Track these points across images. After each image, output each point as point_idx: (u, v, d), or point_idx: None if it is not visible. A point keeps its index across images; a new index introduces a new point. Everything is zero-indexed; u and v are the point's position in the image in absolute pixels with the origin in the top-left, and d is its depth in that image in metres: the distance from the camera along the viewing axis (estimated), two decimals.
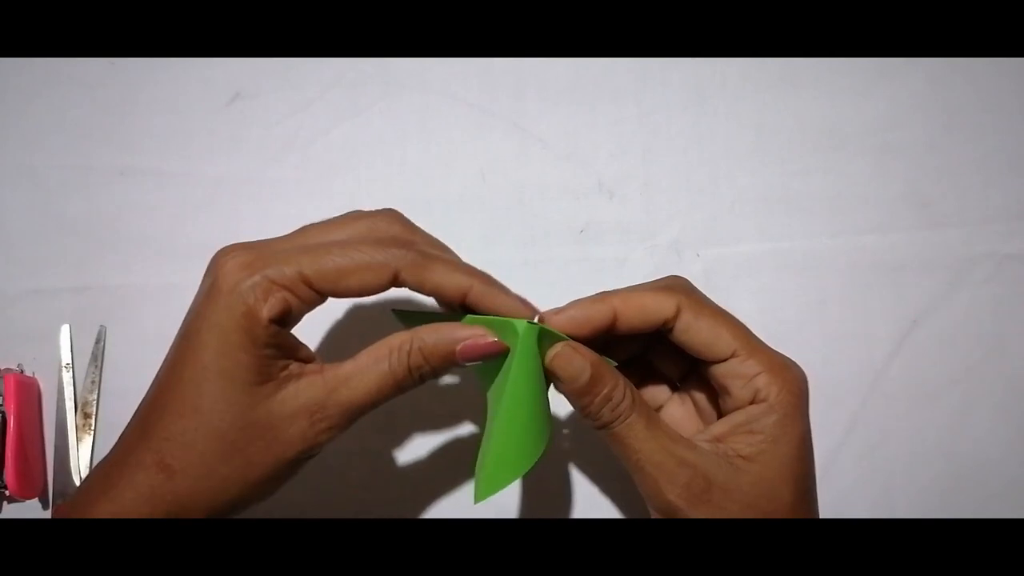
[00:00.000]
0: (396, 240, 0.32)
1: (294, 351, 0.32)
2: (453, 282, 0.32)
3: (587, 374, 0.32)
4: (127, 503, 0.30)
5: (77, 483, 0.43)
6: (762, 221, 0.45)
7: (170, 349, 0.32)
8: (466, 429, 0.44)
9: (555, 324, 0.33)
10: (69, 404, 0.43)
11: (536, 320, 0.33)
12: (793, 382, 0.33)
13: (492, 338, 0.32)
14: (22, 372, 0.44)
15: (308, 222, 0.45)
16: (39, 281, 0.45)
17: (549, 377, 0.33)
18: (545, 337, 0.32)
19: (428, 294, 0.33)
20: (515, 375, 0.31)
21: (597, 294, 0.34)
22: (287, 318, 0.31)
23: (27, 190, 0.46)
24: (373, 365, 0.32)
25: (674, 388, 0.38)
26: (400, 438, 0.44)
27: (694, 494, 0.32)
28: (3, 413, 0.41)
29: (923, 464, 0.44)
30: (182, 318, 0.44)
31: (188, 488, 0.30)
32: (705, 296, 0.35)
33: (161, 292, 0.45)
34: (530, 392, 0.32)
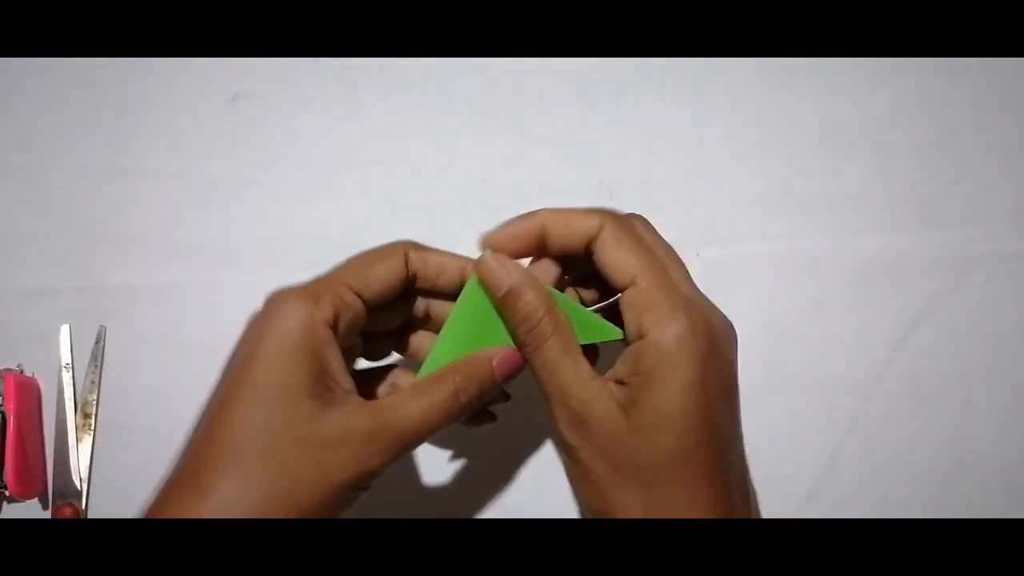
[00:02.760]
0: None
1: (341, 376, 0.32)
2: (453, 261, 0.35)
3: (506, 284, 0.32)
4: None
5: (77, 483, 0.43)
6: (762, 221, 0.45)
7: (216, 385, 0.32)
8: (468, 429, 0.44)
9: (492, 241, 0.33)
10: (69, 404, 0.43)
11: (480, 242, 0.34)
12: (683, 321, 0.31)
13: (510, 351, 0.33)
14: (22, 372, 0.44)
15: (308, 222, 0.46)
16: (39, 281, 0.45)
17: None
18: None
19: (432, 274, 0.34)
20: (459, 309, 0.34)
21: (530, 211, 0.34)
22: (338, 322, 0.32)
23: (27, 190, 0.46)
24: (420, 394, 0.32)
25: None
26: None
27: (585, 433, 0.31)
28: (3, 413, 0.41)
29: (923, 464, 0.44)
30: (182, 318, 0.44)
31: (239, 512, 0.29)
32: (646, 231, 0.34)
33: (161, 292, 0.45)
34: (469, 327, 0.34)
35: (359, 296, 0.33)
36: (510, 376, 0.34)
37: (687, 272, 0.34)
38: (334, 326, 0.31)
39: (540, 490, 0.43)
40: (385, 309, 0.35)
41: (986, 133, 0.46)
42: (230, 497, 0.29)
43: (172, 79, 0.46)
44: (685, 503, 0.31)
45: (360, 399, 0.32)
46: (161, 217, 0.45)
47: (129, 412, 0.44)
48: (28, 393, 0.43)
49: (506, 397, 0.37)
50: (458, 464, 0.44)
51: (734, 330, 0.33)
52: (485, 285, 0.33)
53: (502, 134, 0.46)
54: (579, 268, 0.35)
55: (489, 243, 0.34)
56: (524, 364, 0.34)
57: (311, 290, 0.32)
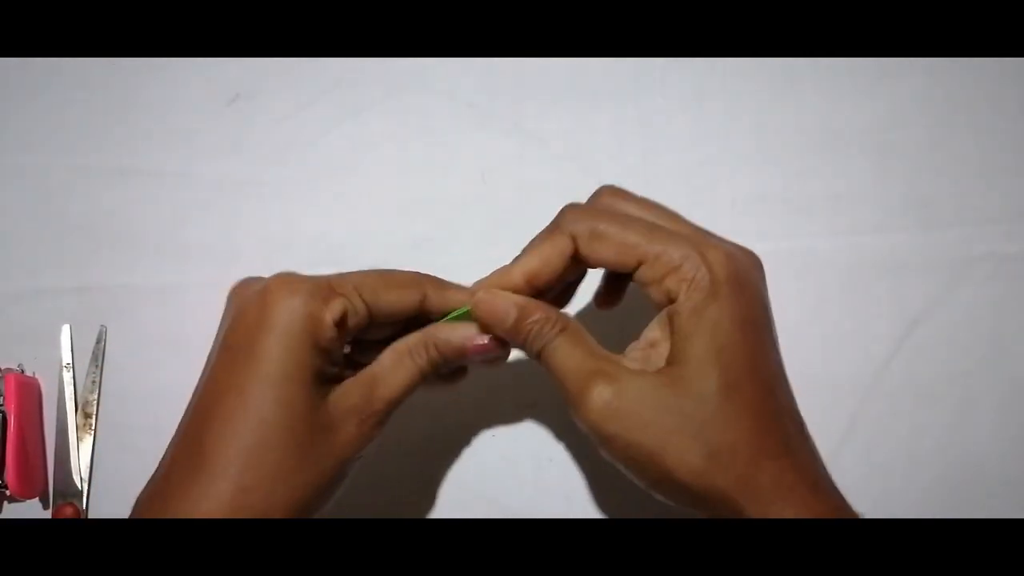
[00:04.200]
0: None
1: (339, 365, 0.33)
2: (465, 299, 0.34)
3: (512, 314, 0.33)
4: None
5: (77, 483, 0.43)
6: (762, 221, 0.45)
7: (214, 361, 0.32)
8: (468, 429, 0.44)
9: (486, 293, 0.34)
10: (69, 404, 0.43)
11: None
12: (706, 271, 0.31)
13: (486, 340, 0.34)
14: (22, 372, 0.44)
15: (308, 222, 0.46)
16: (39, 281, 0.45)
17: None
18: None
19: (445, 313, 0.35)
20: None
21: (499, 269, 0.34)
22: (344, 323, 0.32)
23: (27, 190, 0.46)
24: (399, 363, 0.34)
25: None
26: (401, 437, 0.44)
27: (611, 409, 0.31)
28: (3, 413, 0.41)
29: (923, 464, 0.44)
30: (182, 318, 0.44)
31: (263, 503, 0.30)
32: (615, 199, 0.34)
33: (161, 292, 0.45)
34: None
35: (367, 307, 0.33)
36: (481, 355, 0.34)
37: (678, 215, 0.35)
38: (340, 325, 0.32)
39: (540, 490, 0.43)
40: (385, 326, 0.35)
41: (985, 133, 0.46)
42: (258, 489, 0.30)
43: (172, 79, 0.46)
44: (740, 439, 0.31)
45: (348, 373, 0.34)
46: (161, 217, 0.45)
47: (130, 412, 0.44)
48: (29, 393, 0.43)
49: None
50: (458, 464, 0.44)
51: (756, 257, 0.34)
52: (487, 320, 0.34)
53: (502, 134, 0.46)
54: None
55: (482, 294, 0.34)
56: (496, 348, 0.34)
57: (323, 286, 0.32)
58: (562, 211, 0.34)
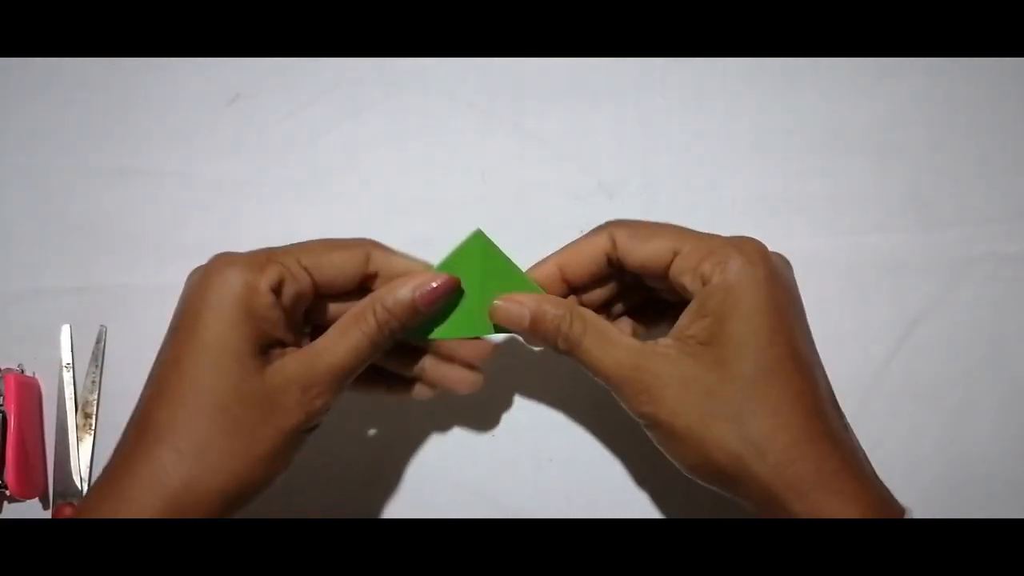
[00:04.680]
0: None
1: (287, 336, 0.33)
2: (416, 265, 0.35)
3: (526, 313, 0.34)
4: (135, 494, 0.30)
5: (77, 483, 0.43)
6: (762, 221, 0.45)
7: (163, 343, 0.33)
8: (468, 429, 0.44)
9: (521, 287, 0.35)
10: (69, 404, 0.43)
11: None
12: (739, 258, 0.32)
13: (439, 279, 0.33)
14: (22, 372, 0.44)
15: (308, 222, 0.45)
16: (39, 281, 0.45)
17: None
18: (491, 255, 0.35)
19: (395, 276, 0.35)
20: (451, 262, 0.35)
21: (542, 260, 0.36)
22: (282, 289, 0.33)
23: (27, 190, 0.46)
24: (346, 331, 0.33)
25: None
26: (401, 438, 0.44)
27: (652, 395, 0.32)
28: (3, 413, 0.41)
29: (923, 464, 0.44)
30: None
31: (197, 469, 0.30)
32: (644, 221, 0.35)
33: (161, 292, 0.44)
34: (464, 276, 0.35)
35: (309, 275, 0.34)
36: (432, 303, 0.34)
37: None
38: (277, 291, 0.32)
39: (540, 490, 0.43)
40: (341, 304, 0.36)
41: (985, 133, 0.46)
42: (190, 454, 0.30)
43: (172, 79, 0.46)
44: (779, 423, 0.31)
45: (292, 347, 0.33)
46: (161, 217, 0.45)
47: (129, 412, 0.44)
48: (29, 393, 0.43)
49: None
50: (458, 464, 0.44)
51: (786, 257, 0.35)
52: (508, 327, 0.35)
53: (502, 134, 0.46)
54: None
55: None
56: (447, 289, 0.34)
57: (256, 257, 0.33)
58: (599, 227, 0.36)
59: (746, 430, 0.31)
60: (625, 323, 0.38)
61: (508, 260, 0.35)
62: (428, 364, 0.37)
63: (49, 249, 0.45)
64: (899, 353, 0.44)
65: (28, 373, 0.44)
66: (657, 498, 0.43)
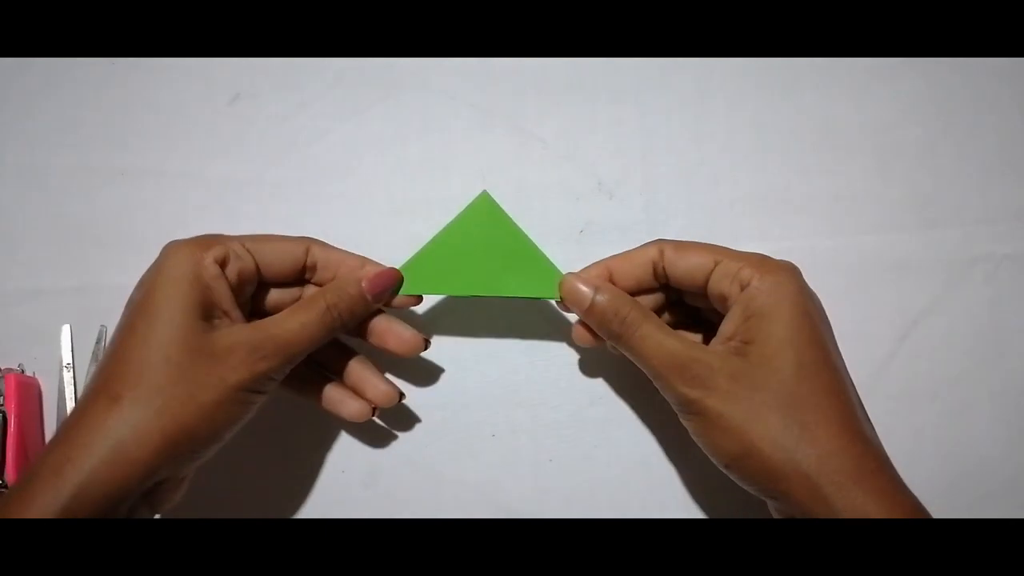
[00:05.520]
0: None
1: (232, 309, 0.36)
2: (352, 259, 0.38)
3: (589, 294, 0.37)
4: (82, 439, 0.32)
5: None
6: (762, 221, 0.45)
7: (121, 317, 0.35)
8: (468, 428, 0.44)
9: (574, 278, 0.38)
10: (69, 404, 0.43)
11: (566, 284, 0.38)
12: (775, 266, 0.35)
13: (384, 270, 0.38)
14: (22, 372, 0.44)
15: (308, 222, 0.46)
16: (39, 281, 0.45)
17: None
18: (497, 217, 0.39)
19: (332, 268, 0.38)
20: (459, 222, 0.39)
21: (593, 263, 0.39)
22: (226, 262, 0.36)
23: (27, 190, 0.46)
24: (295, 311, 0.36)
25: None
26: (401, 438, 0.44)
27: (703, 383, 0.34)
28: (3, 413, 0.41)
29: (922, 464, 0.44)
30: None
31: (141, 414, 0.32)
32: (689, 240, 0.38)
33: None
34: (465, 240, 0.39)
35: (252, 257, 0.37)
36: (381, 294, 0.38)
37: None
38: (223, 266, 0.35)
39: (540, 490, 0.43)
40: (282, 293, 0.39)
41: (986, 133, 0.46)
42: (138, 400, 0.32)
43: (172, 79, 0.46)
44: (820, 418, 0.33)
45: (246, 322, 0.36)
46: (161, 217, 0.45)
47: None
48: (29, 393, 0.43)
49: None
50: (458, 464, 0.44)
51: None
52: (569, 302, 0.37)
53: (502, 134, 0.46)
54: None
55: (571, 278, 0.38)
56: (394, 282, 0.38)
57: (203, 238, 0.36)
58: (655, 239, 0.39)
59: (791, 421, 0.32)
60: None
61: (513, 223, 0.39)
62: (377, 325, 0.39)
63: (49, 249, 0.45)
64: (899, 353, 0.44)
65: (28, 373, 0.44)
66: (657, 498, 0.43)
